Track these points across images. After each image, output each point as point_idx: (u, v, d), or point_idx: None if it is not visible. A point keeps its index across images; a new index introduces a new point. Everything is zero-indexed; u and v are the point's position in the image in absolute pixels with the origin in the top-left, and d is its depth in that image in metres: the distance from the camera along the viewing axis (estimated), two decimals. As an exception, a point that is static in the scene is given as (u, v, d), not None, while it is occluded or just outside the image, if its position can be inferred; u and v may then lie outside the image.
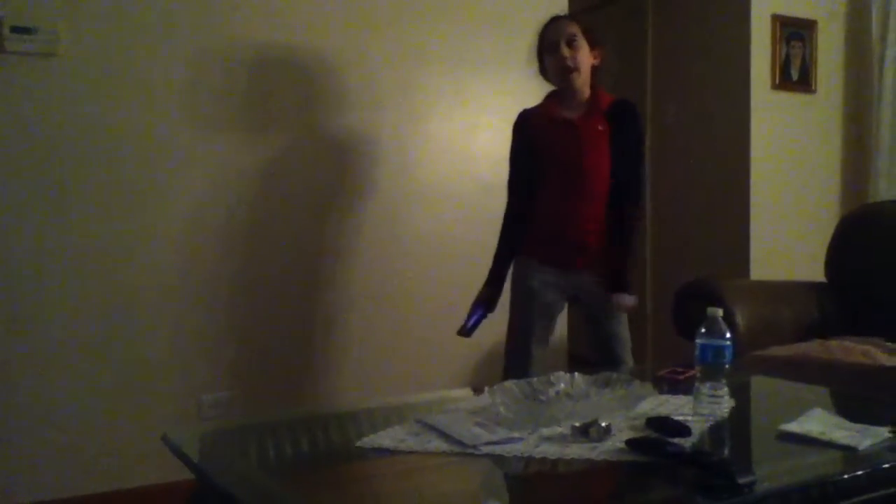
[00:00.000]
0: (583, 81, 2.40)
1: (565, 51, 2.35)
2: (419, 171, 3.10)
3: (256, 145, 2.81)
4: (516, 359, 2.44)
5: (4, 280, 2.44)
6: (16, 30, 2.40)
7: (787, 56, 3.84)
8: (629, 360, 2.46)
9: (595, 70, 2.42)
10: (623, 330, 2.45)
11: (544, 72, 2.47)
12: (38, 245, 2.48)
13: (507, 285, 2.53)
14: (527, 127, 2.48)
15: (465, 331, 2.47)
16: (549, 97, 2.49)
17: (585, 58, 2.38)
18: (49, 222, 2.49)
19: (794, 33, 3.85)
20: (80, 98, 2.52)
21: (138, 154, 2.61)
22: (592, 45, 2.40)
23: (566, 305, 2.59)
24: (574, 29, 2.37)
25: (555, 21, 2.43)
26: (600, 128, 2.38)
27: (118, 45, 2.57)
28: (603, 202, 2.40)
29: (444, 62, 3.13)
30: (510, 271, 2.52)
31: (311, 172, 2.91)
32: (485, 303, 2.49)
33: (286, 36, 2.84)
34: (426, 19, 3.09)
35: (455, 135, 3.17)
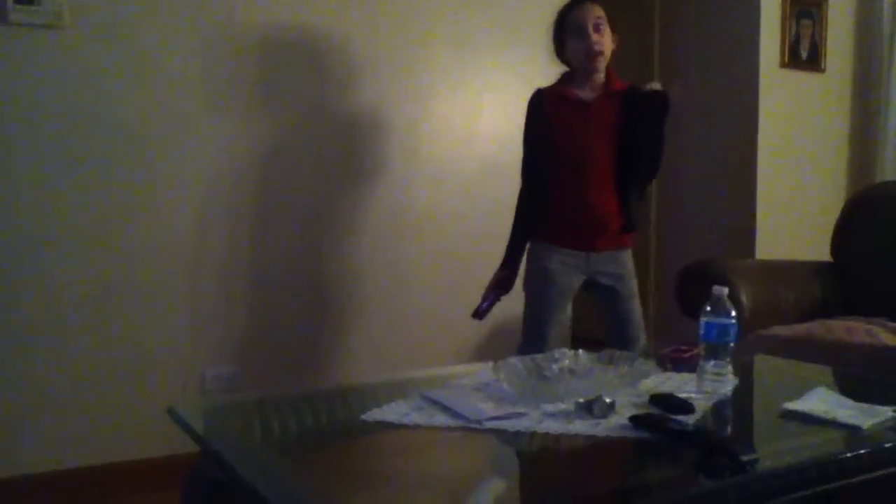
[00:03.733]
0: (604, 65, 2.41)
1: (593, 35, 2.36)
2: (424, 150, 3.09)
3: (262, 122, 2.80)
4: (532, 341, 2.44)
5: (8, 252, 2.44)
6: (19, 0, 2.38)
7: (797, 34, 3.80)
8: (644, 342, 2.48)
9: (612, 55, 2.43)
10: (638, 313, 2.48)
11: (561, 54, 2.47)
12: (41, 218, 2.48)
13: (522, 267, 2.52)
14: (542, 106, 2.47)
15: (479, 313, 2.49)
16: (564, 78, 2.49)
17: (608, 41, 2.40)
18: (52, 195, 2.49)
19: (804, 11, 3.81)
20: (84, 70, 2.51)
21: (143, 127, 2.60)
22: (612, 29, 2.42)
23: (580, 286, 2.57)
24: (600, 13, 2.39)
25: (582, 4, 2.42)
26: (616, 111, 2.40)
27: (123, 17, 2.55)
28: (615, 185, 2.41)
29: (449, 41, 3.11)
30: (525, 253, 2.53)
31: (317, 151, 2.90)
32: (499, 285, 2.50)
33: (291, 15, 2.81)
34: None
35: (459, 114, 3.15)
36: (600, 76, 2.43)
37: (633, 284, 2.50)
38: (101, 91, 2.54)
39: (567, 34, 2.42)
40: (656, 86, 2.40)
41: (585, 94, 2.43)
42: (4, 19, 2.38)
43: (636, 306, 2.49)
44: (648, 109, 2.37)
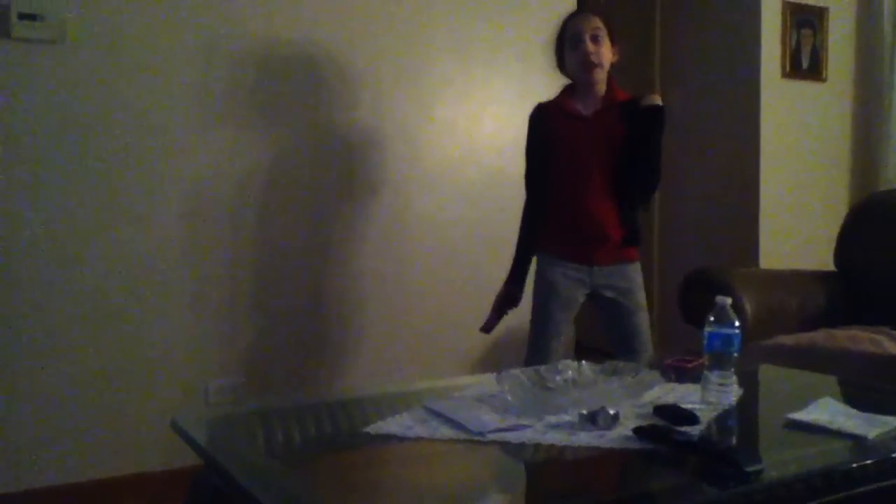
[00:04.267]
0: (603, 77, 2.40)
1: (589, 46, 2.36)
2: (425, 160, 3.10)
3: (263, 133, 2.81)
4: (536, 352, 2.43)
5: (9, 264, 2.45)
6: (23, 17, 2.40)
7: (798, 44, 3.81)
8: (650, 355, 2.46)
9: (612, 66, 2.43)
10: (644, 326, 2.46)
11: (562, 65, 2.46)
12: (44, 230, 2.48)
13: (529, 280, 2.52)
14: (542, 120, 2.47)
15: (486, 327, 2.51)
16: (565, 91, 2.48)
17: (607, 53, 2.39)
18: (55, 208, 2.49)
19: (805, 20, 3.82)
20: (87, 86, 2.52)
21: (145, 143, 2.61)
22: (613, 41, 2.41)
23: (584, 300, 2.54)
24: (598, 23, 2.37)
25: (579, 14, 2.43)
26: (616, 124, 2.38)
27: (125, 34, 2.57)
28: (616, 195, 2.40)
29: (450, 51, 3.12)
30: (532, 267, 2.52)
31: (318, 162, 2.91)
32: (505, 301, 2.50)
33: (290, 26, 2.83)
34: (431, 8, 3.08)
35: (460, 123, 3.16)
36: (601, 88, 2.42)
37: (640, 298, 2.47)
38: (104, 105, 2.55)
39: (565, 45, 2.42)
40: (656, 100, 2.38)
41: (585, 107, 2.42)
42: (8, 34, 2.39)
43: (643, 320, 2.46)
44: (644, 124, 2.36)
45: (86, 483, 2.54)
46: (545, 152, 2.45)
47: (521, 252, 2.52)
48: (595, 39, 2.36)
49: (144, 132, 2.61)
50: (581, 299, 2.48)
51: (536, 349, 2.45)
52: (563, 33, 2.43)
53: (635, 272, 2.48)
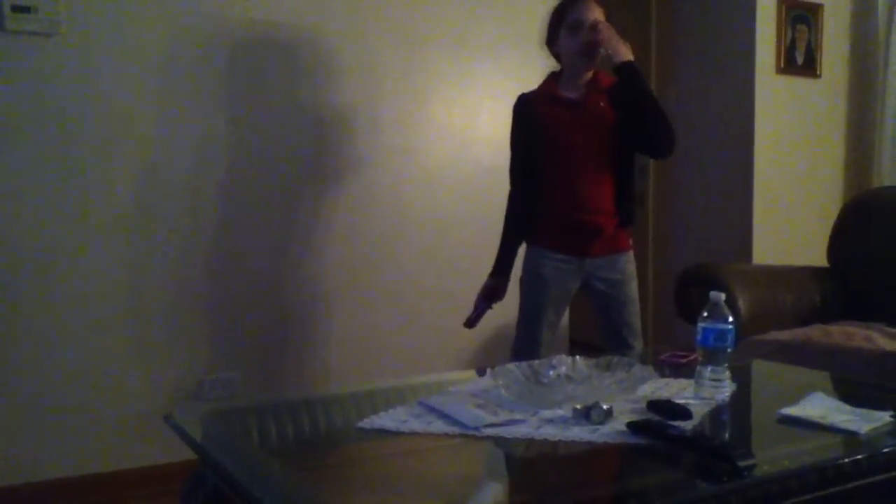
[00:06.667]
0: (594, 65, 2.40)
1: (591, 34, 2.35)
2: (420, 154, 3.09)
3: (255, 130, 2.80)
4: (526, 345, 2.44)
5: (8, 259, 2.44)
6: (16, 8, 2.39)
7: (793, 40, 3.81)
8: (639, 347, 2.47)
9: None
10: (634, 317, 2.46)
11: (551, 43, 2.44)
12: (39, 225, 2.48)
13: (514, 272, 2.52)
14: (527, 109, 2.46)
15: (470, 322, 2.51)
16: (549, 78, 2.48)
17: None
18: (49, 202, 2.49)
19: (800, 17, 3.82)
20: (80, 77, 2.51)
21: (136, 133, 2.61)
22: None
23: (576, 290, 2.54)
24: (600, 13, 2.38)
25: (586, 1, 2.39)
26: (602, 105, 2.37)
27: (118, 24, 2.56)
28: (611, 183, 2.39)
29: (446, 44, 3.11)
30: (521, 259, 2.52)
31: (311, 155, 2.91)
32: (490, 294, 2.50)
33: (288, 16, 2.82)
34: (427, 1, 3.06)
35: (456, 118, 3.15)
36: (588, 75, 2.41)
37: (632, 288, 2.47)
38: (94, 98, 2.54)
39: (565, 28, 2.39)
40: (621, 54, 2.31)
41: (573, 93, 2.41)
42: (1, 27, 2.38)
43: (633, 311, 2.47)
44: (625, 86, 2.33)
45: (85, 476, 2.55)
46: (532, 142, 2.43)
47: (505, 245, 2.52)
48: (595, 28, 2.35)
49: (141, 124, 2.60)
50: (573, 289, 2.47)
51: (524, 337, 2.46)
52: (562, 14, 2.40)
53: (628, 262, 2.48)
